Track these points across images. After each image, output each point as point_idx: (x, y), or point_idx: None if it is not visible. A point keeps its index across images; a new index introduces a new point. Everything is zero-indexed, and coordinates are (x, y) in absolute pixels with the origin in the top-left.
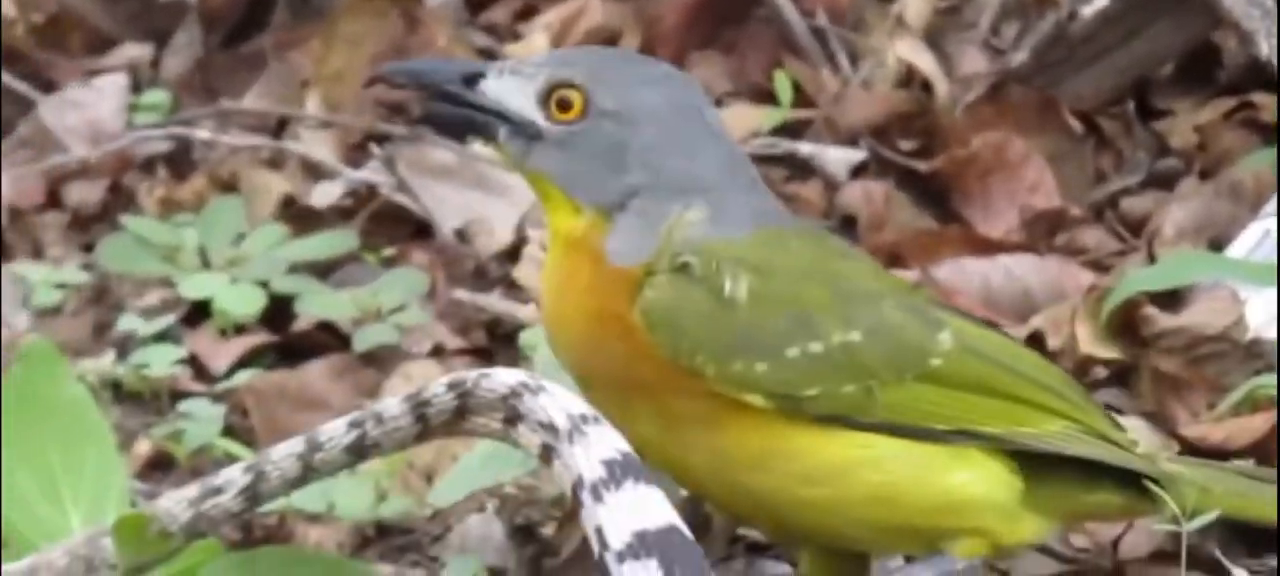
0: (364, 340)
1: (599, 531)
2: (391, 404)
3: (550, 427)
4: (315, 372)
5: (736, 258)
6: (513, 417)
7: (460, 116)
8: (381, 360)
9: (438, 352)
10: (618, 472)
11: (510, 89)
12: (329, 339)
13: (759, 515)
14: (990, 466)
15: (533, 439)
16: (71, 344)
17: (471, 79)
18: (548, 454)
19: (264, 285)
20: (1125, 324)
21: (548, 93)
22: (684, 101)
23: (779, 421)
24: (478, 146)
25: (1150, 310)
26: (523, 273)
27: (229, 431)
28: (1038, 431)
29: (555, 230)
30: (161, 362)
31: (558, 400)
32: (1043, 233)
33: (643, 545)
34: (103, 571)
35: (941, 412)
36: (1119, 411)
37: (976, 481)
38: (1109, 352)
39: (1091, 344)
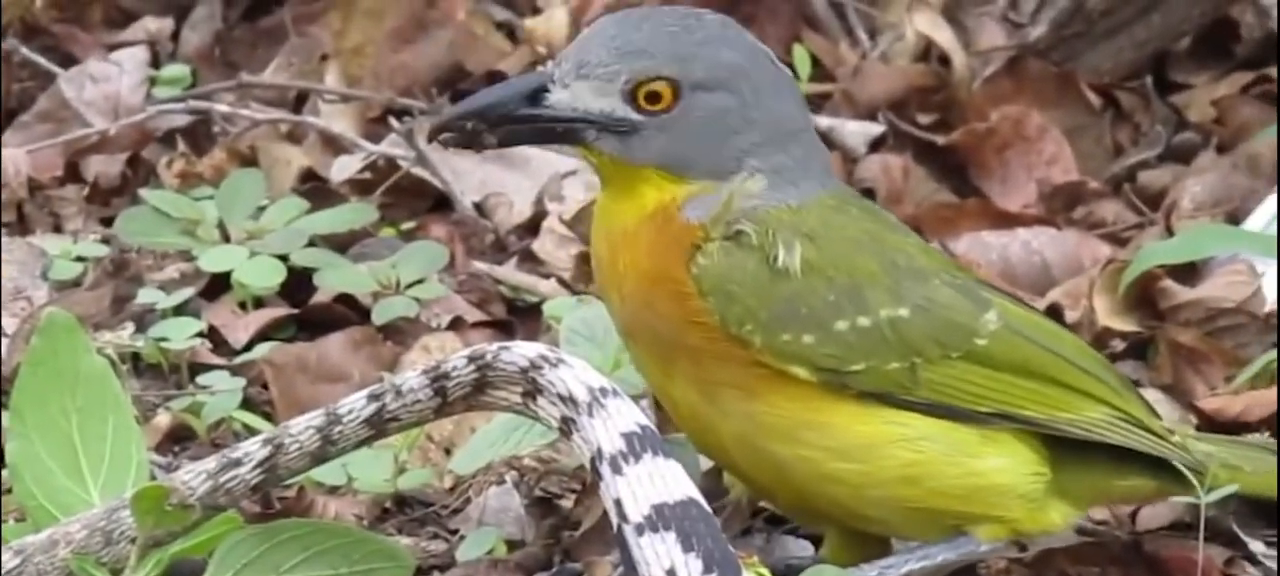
0: (383, 313)
1: (618, 504)
2: (411, 377)
3: (570, 400)
4: (334, 345)
5: (793, 225)
6: (532, 391)
7: (540, 131)
8: (401, 333)
9: (457, 325)
10: (637, 445)
11: (585, 94)
12: (348, 312)
13: (783, 489)
14: (1021, 453)
15: (552, 411)
16: (91, 317)
17: (536, 96)
18: (567, 426)
19: (283, 258)
20: (1143, 297)
21: (634, 90)
22: (755, 47)
23: (819, 394)
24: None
25: (1168, 283)
26: (542, 246)
27: (248, 404)
28: (1075, 416)
29: (639, 204)
30: (181, 336)
31: (577, 373)
32: (1061, 206)
33: (661, 518)
34: (121, 543)
35: (982, 393)
36: (1137, 383)
37: (1006, 468)
38: (1126, 325)
39: (1109, 316)
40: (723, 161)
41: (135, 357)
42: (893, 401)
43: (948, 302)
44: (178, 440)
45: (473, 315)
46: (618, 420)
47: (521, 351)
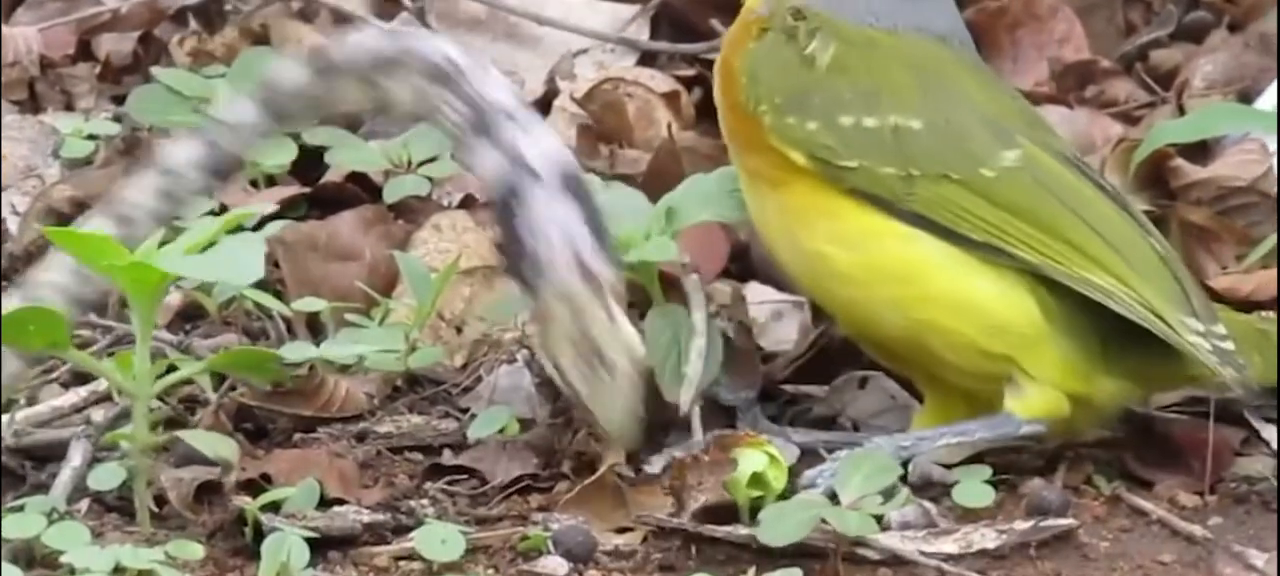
0: (394, 191)
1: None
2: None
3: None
4: (345, 224)
5: (849, 36)
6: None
7: None
8: (412, 211)
9: (469, 203)
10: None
11: None
12: (359, 191)
13: (815, 292)
14: (1017, 293)
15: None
16: (102, 195)
17: None
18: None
19: (295, 137)
20: (1154, 175)
21: None
22: None
23: (823, 186)
24: None
25: (1179, 162)
26: (553, 124)
27: (259, 283)
28: (1070, 272)
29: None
30: (192, 214)
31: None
32: (1072, 85)
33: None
34: None
35: (974, 221)
36: None
37: (999, 297)
38: (1138, 204)
39: None
40: None
41: None
42: (887, 208)
43: (963, 129)
44: (189, 318)
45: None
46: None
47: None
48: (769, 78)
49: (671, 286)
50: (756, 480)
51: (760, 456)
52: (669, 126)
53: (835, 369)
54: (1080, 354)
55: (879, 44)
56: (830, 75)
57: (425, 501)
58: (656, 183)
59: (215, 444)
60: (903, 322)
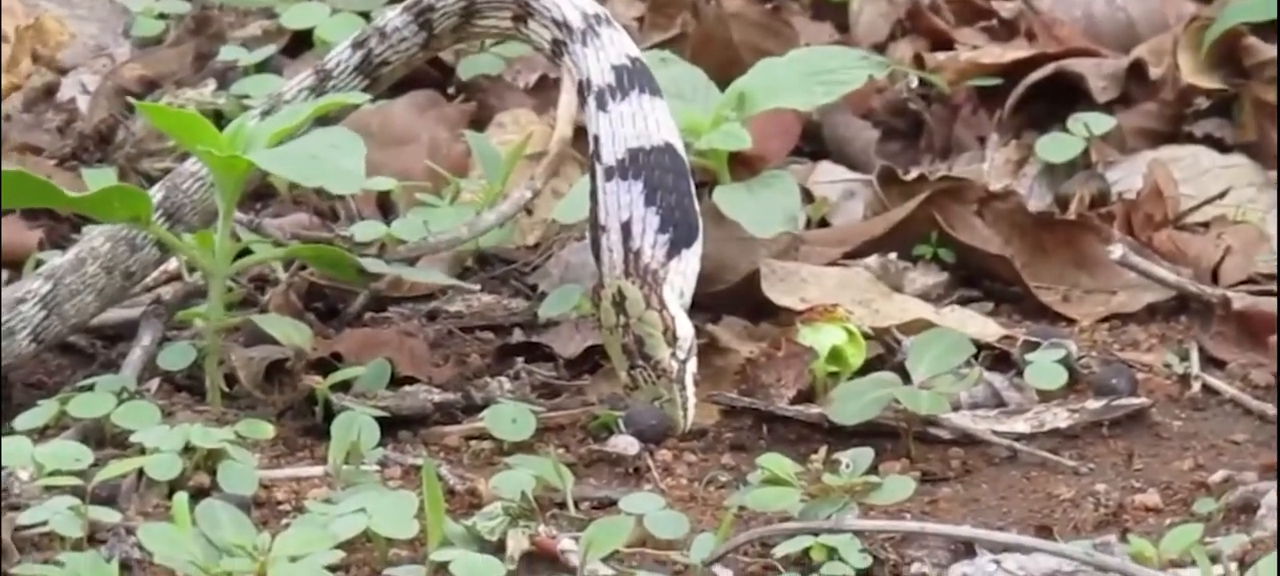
0: (468, 70)
1: (596, 140)
2: (394, 17)
3: (563, 25)
4: (417, 104)
5: None
6: (523, 15)
7: None
8: (485, 90)
9: (541, 85)
10: (625, 81)
11: None
12: (431, 70)
13: None
14: None
15: (544, 35)
16: (172, 74)
17: None
18: (558, 50)
19: (365, 16)
20: (1227, 54)
21: None
22: None
23: None
24: None
25: (1252, 40)
26: (612, 7)
27: None
28: None
29: None
30: (262, 93)
31: None
32: None
33: (633, 164)
34: (146, 248)
35: None
36: (1220, 142)
37: None
38: (1210, 83)
39: (1193, 74)
40: None
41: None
42: None
43: None
44: (259, 197)
45: (557, 72)
46: (610, 50)
47: None
48: None
49: (743, 166)
50: (835, 355)
51: (839, 331)
52: None
53: (903, 245)
54: None
55: None
56: None
57: (496, 380)
58: (705, 51)
59: (287, 329)
60: None
